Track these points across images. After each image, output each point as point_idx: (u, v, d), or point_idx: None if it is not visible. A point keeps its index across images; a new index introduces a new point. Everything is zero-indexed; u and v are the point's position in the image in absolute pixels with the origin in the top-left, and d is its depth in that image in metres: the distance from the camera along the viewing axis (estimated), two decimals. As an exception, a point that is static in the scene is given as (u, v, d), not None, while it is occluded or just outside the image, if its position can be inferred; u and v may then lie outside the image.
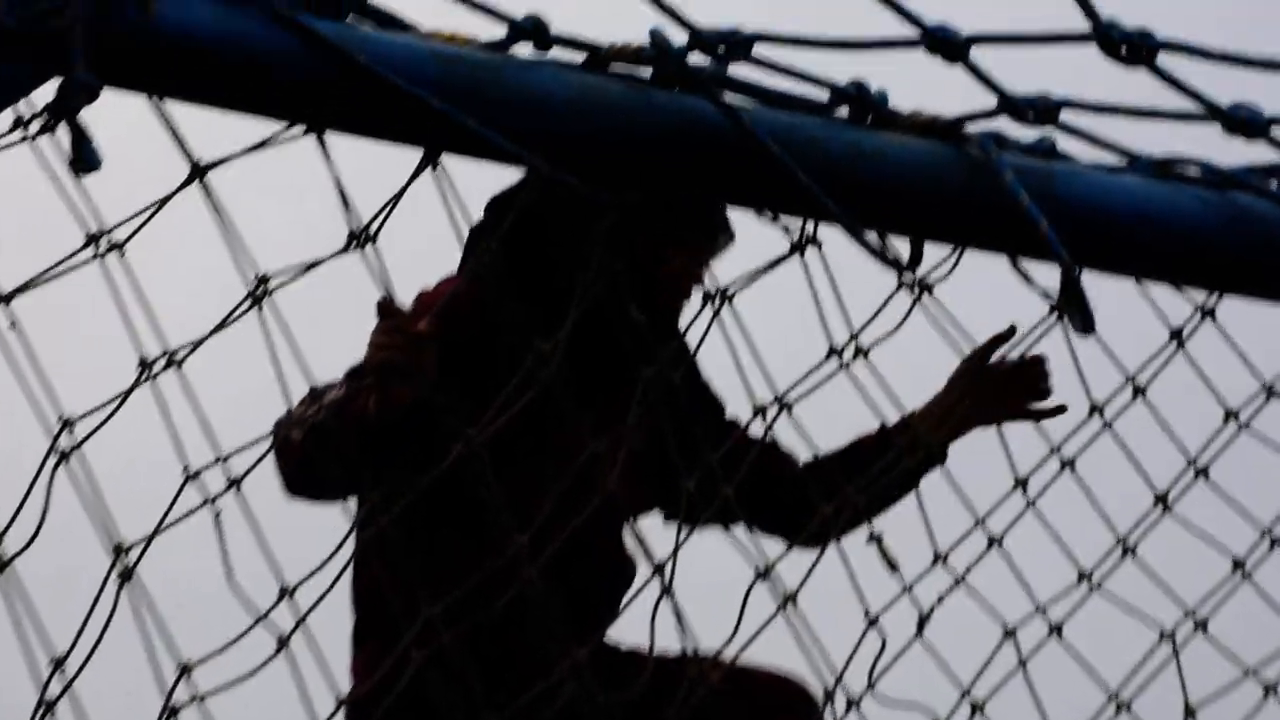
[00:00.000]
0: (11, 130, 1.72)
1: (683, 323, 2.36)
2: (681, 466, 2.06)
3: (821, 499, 2.09)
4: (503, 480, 2.02)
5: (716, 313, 2.05)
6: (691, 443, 2.09)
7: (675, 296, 2.39)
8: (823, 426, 2.22)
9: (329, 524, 2.29)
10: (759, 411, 2.11)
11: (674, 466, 2.07)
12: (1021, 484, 2.21)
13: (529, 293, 2.20)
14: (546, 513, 2.01)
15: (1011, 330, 2.33)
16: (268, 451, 1.94)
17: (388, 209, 1.91)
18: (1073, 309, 1.93)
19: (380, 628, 2.34)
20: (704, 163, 1.88)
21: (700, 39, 1.83)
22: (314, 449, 2.03)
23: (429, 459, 2.04)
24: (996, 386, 2.33)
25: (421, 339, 2.15)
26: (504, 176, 2.22)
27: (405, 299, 2.17)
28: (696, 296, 2.43)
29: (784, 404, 2.11)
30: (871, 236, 1.95)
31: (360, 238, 1.91)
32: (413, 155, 1.86)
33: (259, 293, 1.92)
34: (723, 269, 2.42)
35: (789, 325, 2.54)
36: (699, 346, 2.12)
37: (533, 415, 2.10)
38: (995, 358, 2.38)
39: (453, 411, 1.96)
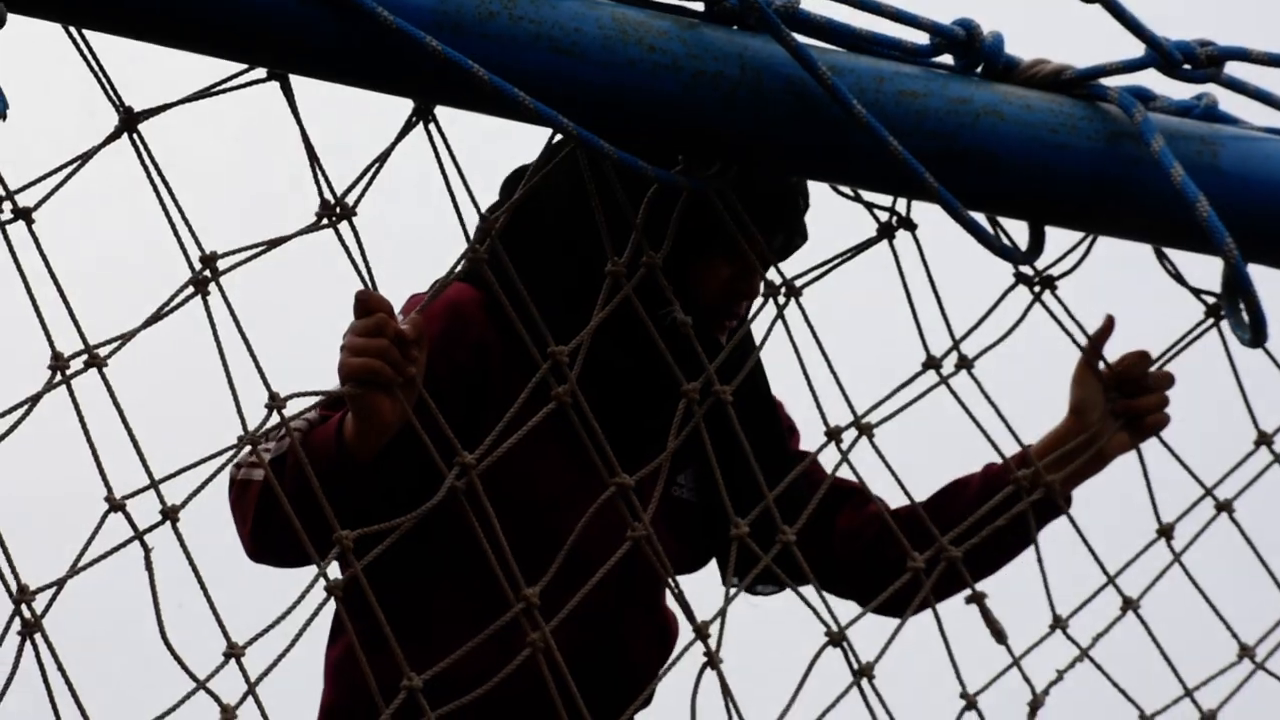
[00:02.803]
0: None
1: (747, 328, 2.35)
2: (729, 507, 2.06)
3: (910, 553, 2.06)
4: (507, 521, 2.02)
5: (781, 311, 2.05)
6: (750, 477, 2.09)
7: (719, 315, 2.38)
8: (913, 456, 2.20)
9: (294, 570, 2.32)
10: (833, 436, 2.10)
11: (725, 511, 2.06)
12: (1166, 532, 2.22)
13: (547, 293, 2.20)
14: (561, 562, 2.02)
15: (1110, 323, 2.30)
16: (207, 482, 1.93)
17: (370, 174, 1.95)
18: (1238, 314, 1.95)
19: (356, 706, 2.35)
20: (770, 123, 1.93)
21: (768, -35, 1.89)
22: (276, 492, 1.98)
23: (416, 495, 2.03)
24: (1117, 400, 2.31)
25: (412, 342, 2.10)
26: (524, 141, 2.23)
27: (391, 293, 2.16)
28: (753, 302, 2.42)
29: (864, 428, 2.09)
30: (980, 219, 1.99)
31: (335, 210, 1.94)
32: (403, 108, 1.93)
33: (204, 275, 1.94)
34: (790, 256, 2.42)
35: (873, 328, 2.67)
36: (757, 353, 2.13)
37: (546, 441, 2.13)
38: (1114, 362, 2.35)
39: (447, 433, 1.99)
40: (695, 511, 2.40)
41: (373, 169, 1.95)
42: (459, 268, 2.01)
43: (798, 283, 2.07)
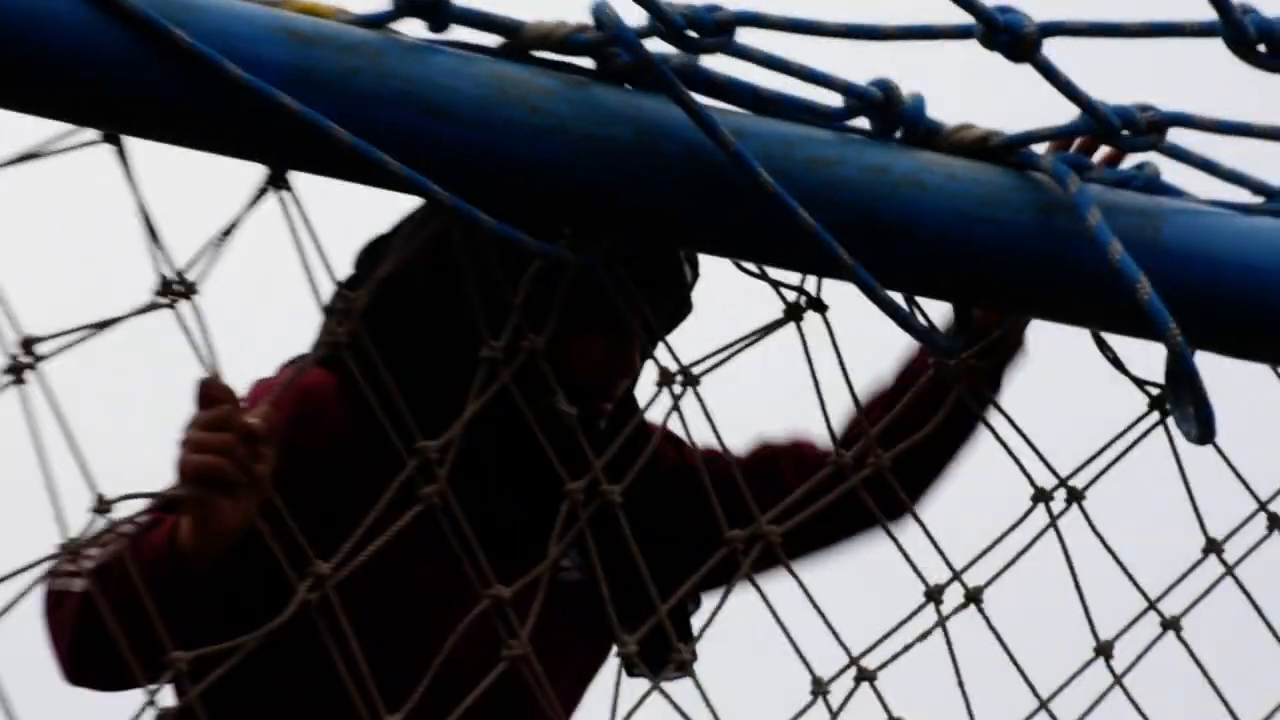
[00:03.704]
0: None
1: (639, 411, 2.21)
2: (616, 627, 1.99)
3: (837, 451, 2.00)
4: (368, 637, 1.94)
5: (676, 402, 1.98)
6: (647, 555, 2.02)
7: (595, 395, 2.30)
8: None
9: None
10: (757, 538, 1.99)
11: (635, 599, 2.03)
12: (1215, 549, 2.10)
13: (414, 380, 2.09)
14: (432, 682, 1.94)
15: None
16: (22, 596, 1.80)
17: (215, 247, 1.86)
18: (1183, 408, 1.88)
19: None
20: (666, 192, 1.86)
21: (664, 18, 1.81)
22: (99, 607, 1.90)
23: (265, 606, 1.92)
24: None
25: (258, 436, 2.02)
26: (385, 211, 2.19)
27: (235, 382, 2.06)
28: (642, 380, 2.37)
29: (767, 535, 1.99)
30: (899, 300, 1.92)
31: (176, 287, 1.85)
32: (254, 174, 1.84)
33: (22, 361, 1.82)
34: (687, 339, 2.28)
35: (780, 418, 2.50)
36: (647, 450, 2.03)
37: (413, 545, 2.04)
38: None
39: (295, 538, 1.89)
40: (584, 592, 2.30)
41: (218, 242, 1.85)
42: (317, 351, 1.95)
43: (696, 369, 1.99)
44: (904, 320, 1.92)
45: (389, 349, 2.01)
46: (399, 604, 2.27)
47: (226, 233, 1.85)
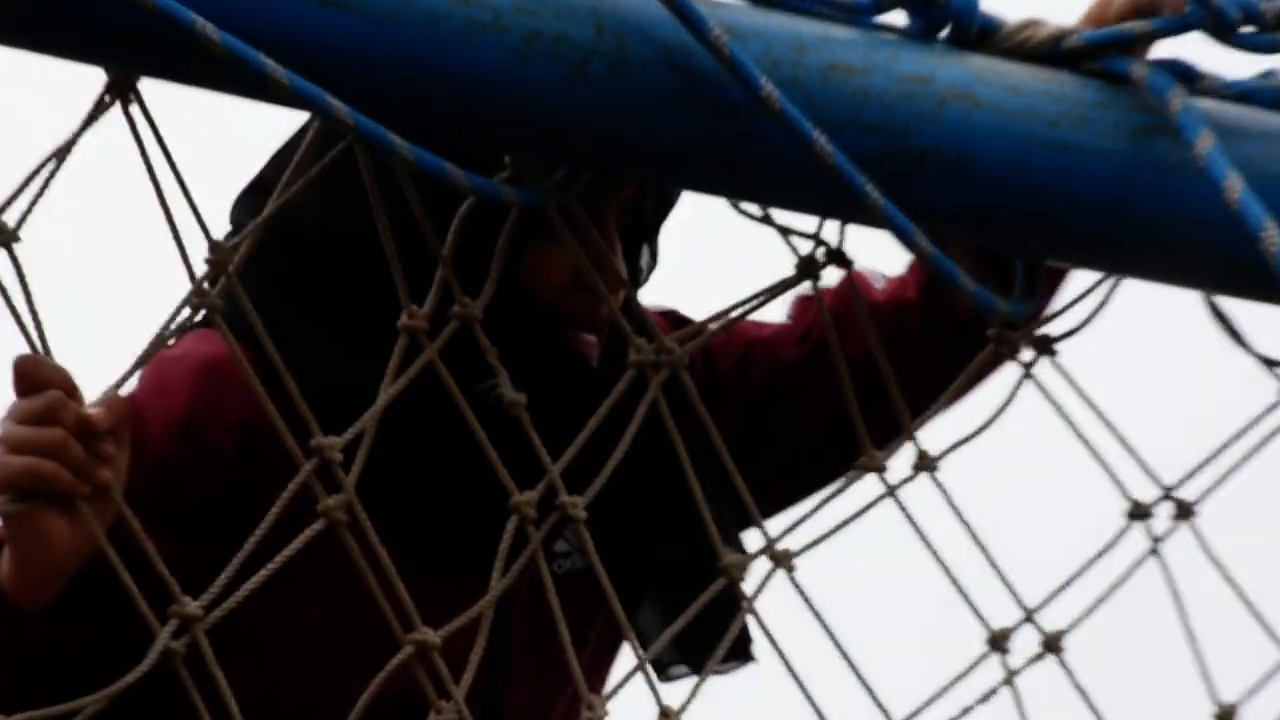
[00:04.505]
0: None
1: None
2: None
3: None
4: (267, 691, 1.92)
5: (662, 381, 1.80)
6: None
7: (571, 322, 2.13)
8: (845, 591, 2.00)
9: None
10: (771, 553, 1.85)
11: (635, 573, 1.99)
12: None
13: (314, 358, 1.96)
14: None
15: None
16: None
17: (42, 181, 1.69)
18: None
19: None
20: (638, 110, 1.71)
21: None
22: None
23: (132, 648, 1.75)
24: None
25: (104, 431, 1.82)
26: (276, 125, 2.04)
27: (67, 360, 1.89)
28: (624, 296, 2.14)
29: (779, 557, 1.85)
30: (944, 253, 1.76)
31: None
32: (94, 81, 1.71)
33: None
34: (676, 301, 2.20)
35: None
36: (622, 444, 1.83)
37: (327, 570, 1.85)
38: None
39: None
40: (591, 579, 2.08)
41: (45, 172, 1.68)
42: (177, 319, 1.69)
43: (681, 349, 1.80)
44: (951, 278, 1.72)
45: (278, 317, 1.86)
46: (308, 649, 2.08)
47: (58, 158, 1.68)
